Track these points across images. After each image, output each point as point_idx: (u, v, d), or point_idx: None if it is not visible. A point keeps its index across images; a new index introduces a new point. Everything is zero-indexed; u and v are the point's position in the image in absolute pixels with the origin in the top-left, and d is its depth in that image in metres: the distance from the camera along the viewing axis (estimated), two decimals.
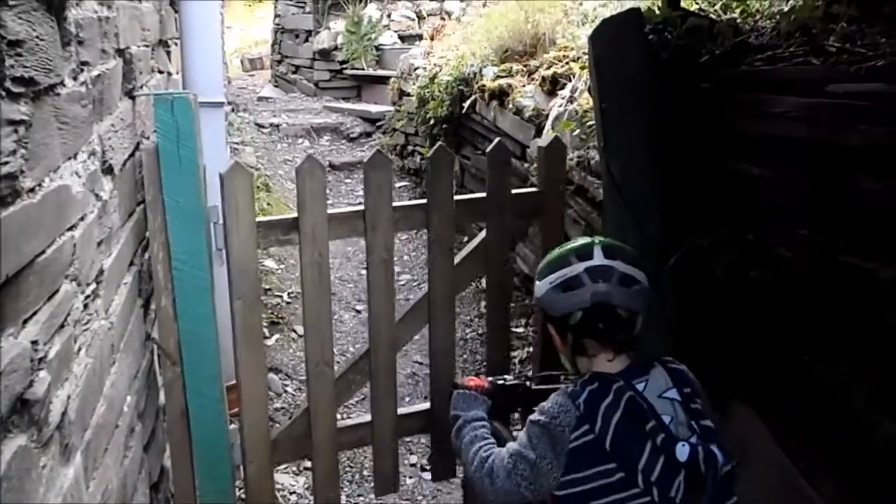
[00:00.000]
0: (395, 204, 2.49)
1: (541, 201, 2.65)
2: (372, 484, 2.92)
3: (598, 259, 1.76)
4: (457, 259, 2.64)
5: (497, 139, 2.64)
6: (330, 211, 2.42)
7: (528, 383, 2.32)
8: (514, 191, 2.64)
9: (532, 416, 1.78)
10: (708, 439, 1.64)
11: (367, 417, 2.74)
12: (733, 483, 1.66)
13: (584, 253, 1.79)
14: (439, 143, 2.76)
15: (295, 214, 2.41)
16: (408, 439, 3.40)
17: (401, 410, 2.76)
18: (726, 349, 2.25)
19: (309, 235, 2.40)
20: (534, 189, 2.72)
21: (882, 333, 1.76)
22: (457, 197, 2.56)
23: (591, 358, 1.79)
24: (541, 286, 1.84)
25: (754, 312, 2.15)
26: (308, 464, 3.02)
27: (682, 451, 1.58)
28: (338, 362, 2.99)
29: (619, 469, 1.63)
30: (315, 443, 2.65)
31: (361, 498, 3.22)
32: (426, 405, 2.86)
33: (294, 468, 3.19)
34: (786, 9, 2.41)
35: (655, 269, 2.33)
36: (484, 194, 2.62)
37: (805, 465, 1.90)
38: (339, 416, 2.72)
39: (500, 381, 2.30)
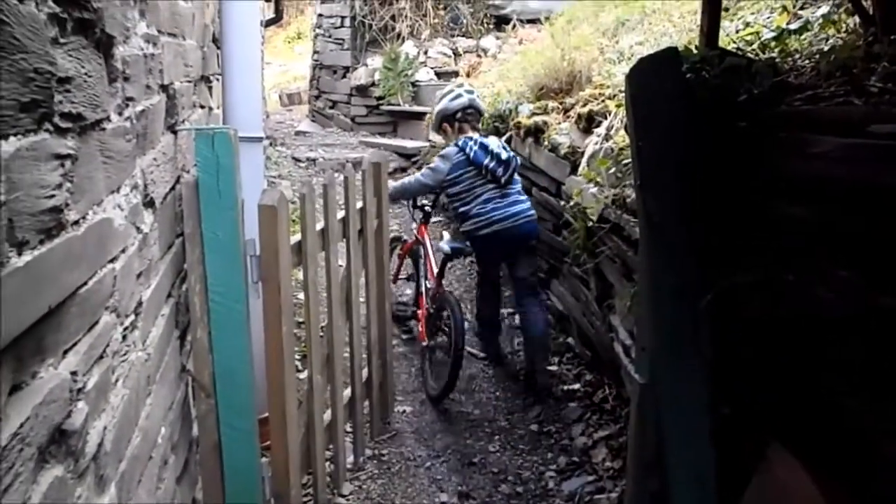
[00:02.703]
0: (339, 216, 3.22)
1: (378, 206, 3.75)
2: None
3: (468, 87, 4.66)
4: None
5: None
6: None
7: None
8: (356, 203, 3.46)
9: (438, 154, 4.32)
10: (516, 155, 4.46)
11: (329, 414, 3.22)
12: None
13: (462, 84, 4.74)
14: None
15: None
16: (439, 476, 3.53)
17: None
18: (764, 389, 2.20)
19: (308, 253, 2.79)
20: (376, 198, 3.72)
21: None
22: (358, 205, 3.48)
23: (465, 134, 4.42)
24: (442, 103, 4.56)
25: (792, 352, 2.11)
26: None
27: (504, 156, 4.26)
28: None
29: (475, 169, 4.24)
30: (315, 450, 2.94)
31: None
32: (348, 392, 3.42)
33: None
34: (826, 48, 2.39)
35: (691, 307, 2.30)
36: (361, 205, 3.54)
37: None
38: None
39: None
